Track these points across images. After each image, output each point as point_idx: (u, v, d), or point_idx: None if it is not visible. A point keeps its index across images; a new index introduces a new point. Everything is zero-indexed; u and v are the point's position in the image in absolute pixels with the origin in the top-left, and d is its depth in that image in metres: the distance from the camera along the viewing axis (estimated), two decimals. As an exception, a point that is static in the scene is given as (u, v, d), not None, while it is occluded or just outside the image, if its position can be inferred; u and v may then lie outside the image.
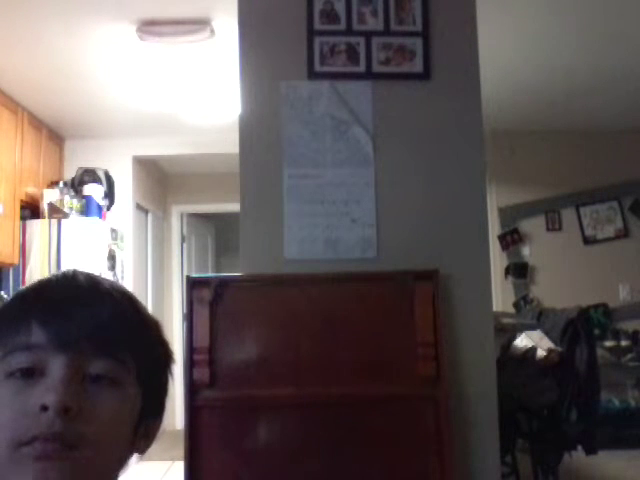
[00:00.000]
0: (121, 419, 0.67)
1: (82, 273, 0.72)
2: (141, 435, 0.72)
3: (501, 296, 5.23)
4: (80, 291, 0.69)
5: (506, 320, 3.44)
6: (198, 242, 6.93)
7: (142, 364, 0.69)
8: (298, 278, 1.96)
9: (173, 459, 4.97)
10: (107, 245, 4.61)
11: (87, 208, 4.64)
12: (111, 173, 5.02)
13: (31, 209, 4.53)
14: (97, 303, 0.68)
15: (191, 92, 4.34)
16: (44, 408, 0.61)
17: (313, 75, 2.08)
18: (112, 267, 4.69)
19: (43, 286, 0.71)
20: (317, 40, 2.08)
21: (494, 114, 4.22)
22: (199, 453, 1.80)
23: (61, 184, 4.70)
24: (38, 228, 4.37)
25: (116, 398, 0.66)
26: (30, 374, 0.63)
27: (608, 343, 5.06)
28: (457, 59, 2.12)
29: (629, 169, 5.30)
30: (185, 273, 6.28)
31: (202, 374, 1.84)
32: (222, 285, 1.91)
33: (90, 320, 0.66)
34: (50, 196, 4.53)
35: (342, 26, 2.09)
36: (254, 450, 1.84)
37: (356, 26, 2.09)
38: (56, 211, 4.47)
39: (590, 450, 3.02)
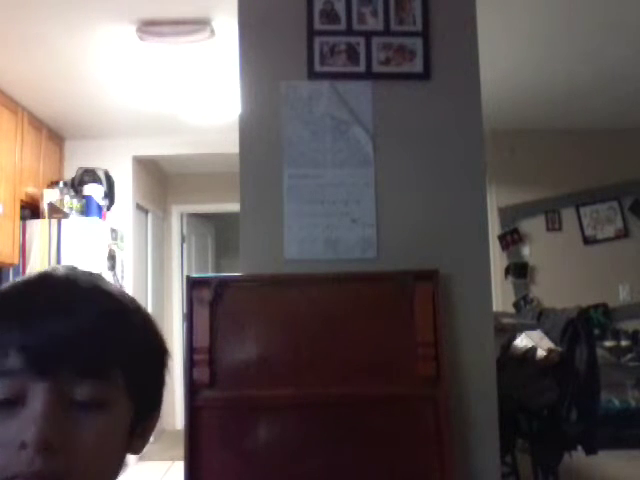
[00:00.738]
0: (110, 442, 0.63)
1: (59, 274, 0.66)
2: (137, 436, 0.68)
3: (501, 296, 5.23)
4: (58, 299, 0.63)
5: (506, 320, 3.44)
6: (198, 242, 6.93)
7: (132, 372, 0.64)
8: (298, 278, 1.96)
9: (173, 459, 4.97)
10: (107, 245, 4.62)
11: (87, 208, 4.64)
12: (111, 173, 5.02)
13: (31, 209, 4.53)
14: (78, 312, 0.62)
15: (191, 92, 4.34)
16: (23, 445, 0.56)
17: (313, 75, 2.08)
18: (112, 267, 4.69)
19: (17, 296, 0.64)
20: (317, 40, 2.08)
21: (494, 114, 4.22)
22: (199, 453, 1.80)
23: (61, 184, 4.70)
24: (38, 228, 4.37)
25: (104, 421, 0.61)
26: (11, 403, 0.58)
27: (608, 343, 5.06)
28: (457, 59, 2.12)
29: (629, 169, 5.30)
30: (185, 273, 6.29)
31: (202, 374, 1.84)
32: (222, 285, 1.91)
33: (71, 337, 0.60)
34: (50, 196, 4.53)
35: (342, 26, 2.09)
36: (254, 450, 1.84)
37: (356, 26, 2.09)
38: (56, 211, 4.47)
39: (590, 450, 3.02)
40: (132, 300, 0.70)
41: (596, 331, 4.47)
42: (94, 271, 0.70)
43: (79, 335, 0.60)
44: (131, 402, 0.64)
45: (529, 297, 5.27)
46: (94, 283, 0.66)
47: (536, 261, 5.33)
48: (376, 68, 2.09)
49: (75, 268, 0.68)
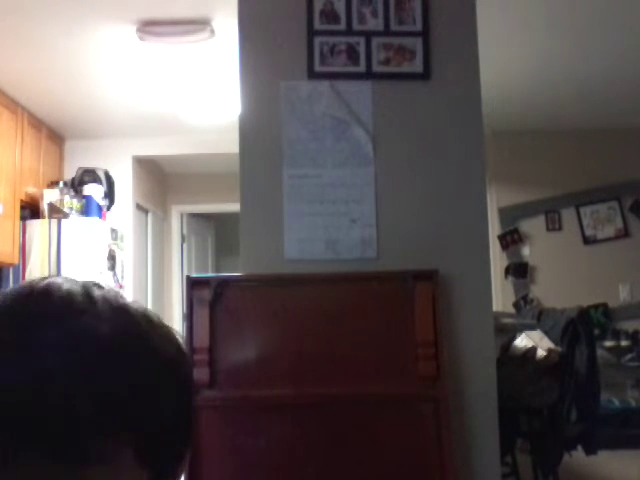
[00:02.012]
0: None
1: (58, 296, 0.50)
2: None
3: (501, 296, 5.23)
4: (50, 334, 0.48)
5: (506, 320, 3.43)
6: (198, 242, 6.93)
7: (149, 444, 0.50)
8: (298, 278, 1.96)
9: (173, 459, 4.96)
10: (107, 245, 4.61)
11: (87, 208, 4.64)
12: (111, 173, 5.02)
13: (31, 209, 4.53)
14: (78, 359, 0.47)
15: (191, 92, 4.34)
16: None
17: (313, 75, 2.08)
18: (112, 267, 4.69)
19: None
20: (317, 40, 2.08)
21: (494, 114, 4.22)
22: (199, 453, 1.80)
23: (61, 184, 4.70)
24: (38, 228, 4.37)
25: None
26: None
27: (608, 343, 5.06)
28: (457, 59, 2.12)
29: (629, 169, 5.30)
30: (185, 273, 6.28)
31: (202, 374, 1.84)
32: (222, 285, 1.91)
33: (58, 407, 0.45)
34: (50, 196, 4.53)
35: (342, 26, 2.09)
36: (254, 450, 1.84)
37: (356, 26, 2.09)
38: (56, 211, 4.47)
39: (590, 450, 3.02)
40: (158, 325, 0.54)
41: (596, 331, 4.46)
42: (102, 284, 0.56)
43: (60, 408, 0.45)
44: (141, 471, 0.50)
45: (529, 297, 5.26)
46: (107, 305, 0.51)
47: (536, 261, 5.33)
48: (376, 68, 2.09)
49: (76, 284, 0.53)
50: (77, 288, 0.51)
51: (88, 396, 0.46)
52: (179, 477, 0.56)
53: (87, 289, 0.52)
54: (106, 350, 0.48)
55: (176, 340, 0.55)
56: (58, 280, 0.52)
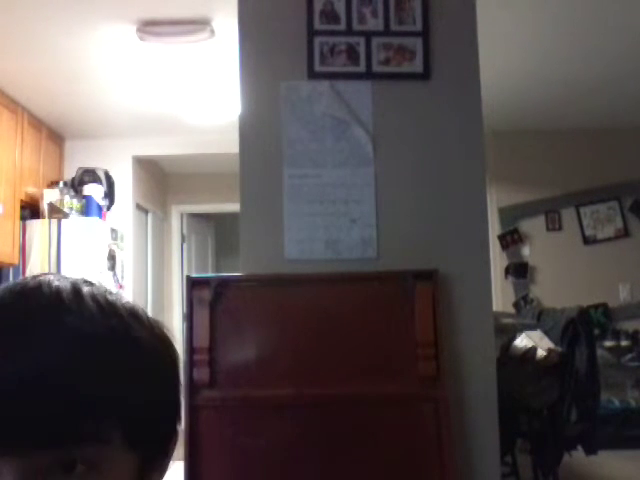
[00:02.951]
0: None
1: (45, 291, 0.52)
2: None
3: (501, 296, 5.23)
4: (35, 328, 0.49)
5: (506, 320, 3.44)
6: (198, 242, 6.93)
7: (135, 426, 0.52)
8: (298, 278, 1.96)
9: (173, 459, 4.96)
10: (107, 245, 4.61)
11: (87, 208, 4.64)
12: (111, 173, 5.02)
13: (31, 209, 4.53)
14: (54, 348, 0.49)
15: (191, 92, 4.34)
16: None
17: (313, 75, 2.08)
18: (112, 267, 4.69)
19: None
20: (317, 40, 2.08)
21: (494, 114, 4.22)
22: (199, 453, 1.80)
23: (61, 184, 4.70)
24: (38, 228, 4.37)
25: None
26: None
27: (608, 343, 5.06)
28: (457, 59, 2.12)
29: (629, 169, 5.30)
30: (185, 273, 6.28)
31: (202, 374, 1.84)
32: (222, 285, 1.91)
33: (45, 394, 0.47)
34: (50, 196, 4.53)
35: (342, 26, 2.09)
36: (254, 450, 1.84)
37: (356, 26, 2.09)
38: (56, 211, 4.47)
39: (590, 450, 3.03)
40: (144, 318, 0.57)
41: (596, 331, 4.46)
42: (93, 280, 0.57)
43: (58, 392, 0.48)
44: (132, 454, 0.53)
45: (529, 297, 5.26)
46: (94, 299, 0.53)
47: (536, 261, 5.33)
48: (376, 68, 2.09)
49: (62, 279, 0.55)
50: (67, 285, 0.53)
51: (78, 384, 0.49)
52: (171, 454, 0.60)
53: (76, 286, 0.54)
54: (93, 343, 0.51)
55: (160, 331, 0.58)
56: (49, 277, 0.55)
